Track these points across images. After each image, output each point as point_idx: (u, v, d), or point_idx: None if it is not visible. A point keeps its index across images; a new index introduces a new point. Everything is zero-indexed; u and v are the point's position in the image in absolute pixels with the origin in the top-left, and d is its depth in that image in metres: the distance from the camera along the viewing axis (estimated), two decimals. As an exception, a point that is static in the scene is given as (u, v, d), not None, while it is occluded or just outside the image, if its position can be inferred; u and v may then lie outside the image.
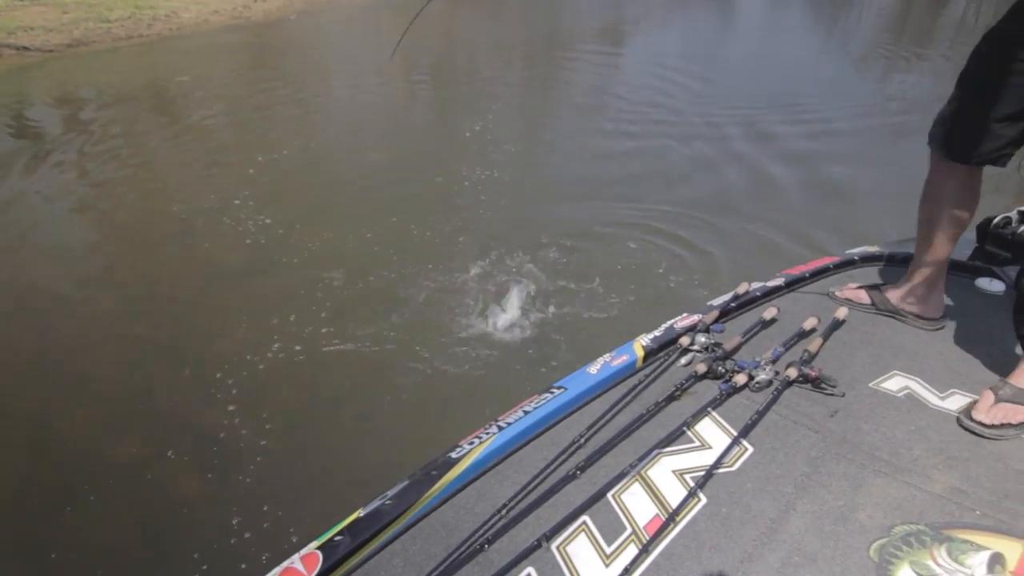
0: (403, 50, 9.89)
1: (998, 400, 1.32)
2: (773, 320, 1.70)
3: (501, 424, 1.38)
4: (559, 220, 3.81)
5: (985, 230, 1.93)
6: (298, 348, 2.71)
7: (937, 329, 1.64)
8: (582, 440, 1.36)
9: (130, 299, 3.19)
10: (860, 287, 1.76)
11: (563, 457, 1.32)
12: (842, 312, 1.66)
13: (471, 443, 1.32)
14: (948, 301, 1.70)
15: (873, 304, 1.71)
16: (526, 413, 1.41)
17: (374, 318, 2.88)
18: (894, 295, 1.70)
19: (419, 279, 3.18)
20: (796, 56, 9.36)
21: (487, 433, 1.35)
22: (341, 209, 4.07)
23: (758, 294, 1.79)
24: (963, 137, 1.44)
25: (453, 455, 1.29)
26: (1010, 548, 1.06)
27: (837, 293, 1.77)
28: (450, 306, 2.93)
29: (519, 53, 9.46)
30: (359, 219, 3.85)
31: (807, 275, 1.88)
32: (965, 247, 1.96)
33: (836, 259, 1.94)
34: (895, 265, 1.94)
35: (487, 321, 2.60)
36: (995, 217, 1.92)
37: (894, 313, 1.68)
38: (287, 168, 4.78)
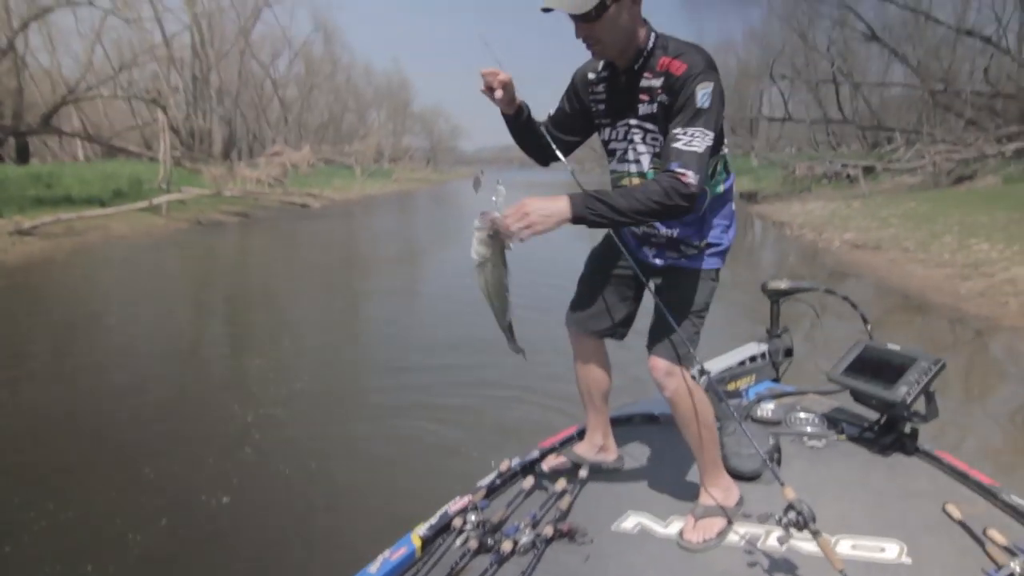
0: (188, 286, 9.74)
1: (696, 519, 1.66)
2: (533, 488, 1.94)
3: None
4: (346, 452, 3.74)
5: None
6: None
7: (618, 467, 2.03)
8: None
9: None
10: (559, 456, 2.04)
11: None
12: (583, 472, 1.97)
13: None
14: (652, 447, 2.15)
15: (571, 463, 2.00)
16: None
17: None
18: (580, 449, 2.04)
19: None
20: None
21: None
22: (100, 463, 3.62)
23: (518, 468, 2.05)
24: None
25: None
26: None
27: (544, 468, 2.02)
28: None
29: (310, 282, 9.85)
30: (117, 475, 3.44)
31: (557, 444, 2.20)
32: None
33: (577, 427, 2.30)
34: (647, 424, 2.34)
35: None
36: None
37: (587, 464, 1.98)
38: (38, 421, 4.24)
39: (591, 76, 1.72)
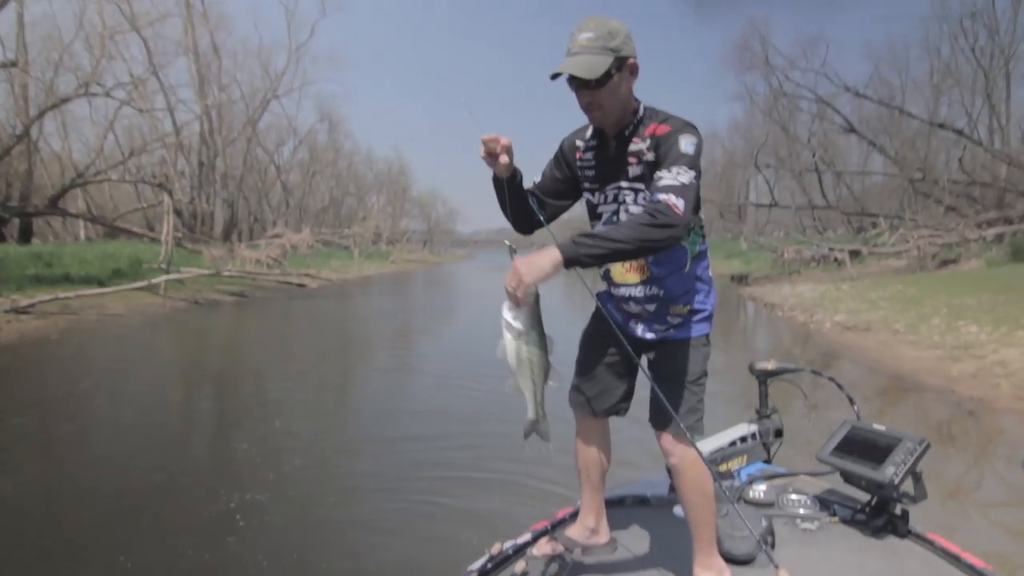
0: (179, 365, 9.68)
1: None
2: (524, 573, 1.90)
3: None
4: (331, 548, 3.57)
5: None
6: None
7: (610, 551, 1.97)
8: None
9: None
10: (551, 540, 1.99)
11: None
12: (575, 555, 1.93)
13: None
14: (644, 529, 2.12)
15: (565, 548, 1.95)
16: None
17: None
18: (572, 532, 1.99)
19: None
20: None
21: None
22: (78, 550, 3.47)
23: (510, 552, 2.01)
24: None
25: None
26: None
27: (535, 552, 1.97)
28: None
29: (305, 362, 9.81)
30: (93, 564, 3.33)
31: (549, 527, 2.17)
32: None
33: (570, 509, 2.27)
34: (638, 506, 2.31)
35: None
36: None
37: (579, 547, 1.94)
38: (13, 503, 4.10)
39: (579, 144, 1.82)
